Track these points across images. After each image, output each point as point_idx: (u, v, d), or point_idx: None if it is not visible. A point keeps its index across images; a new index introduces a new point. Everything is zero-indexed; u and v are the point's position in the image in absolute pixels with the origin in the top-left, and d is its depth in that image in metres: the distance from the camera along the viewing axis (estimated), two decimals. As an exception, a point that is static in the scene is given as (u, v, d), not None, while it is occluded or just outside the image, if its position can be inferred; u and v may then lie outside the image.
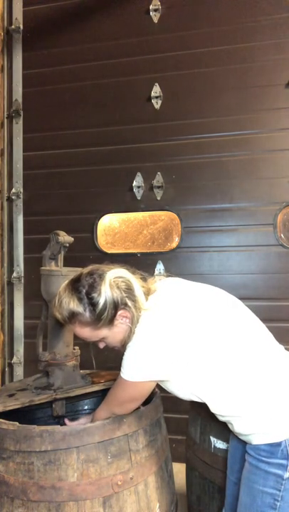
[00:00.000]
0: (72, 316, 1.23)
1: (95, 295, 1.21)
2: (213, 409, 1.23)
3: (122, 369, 1.24)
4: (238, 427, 1.20)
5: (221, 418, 1.25)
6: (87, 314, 1.21)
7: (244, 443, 1.24)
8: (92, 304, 1.21)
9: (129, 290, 1.25)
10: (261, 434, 1.15)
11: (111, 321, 1.23)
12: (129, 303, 1.23)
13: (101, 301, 1.20)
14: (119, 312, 1.23)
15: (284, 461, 1.12)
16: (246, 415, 1.17)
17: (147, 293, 1.30)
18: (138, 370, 1.21)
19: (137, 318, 1.23)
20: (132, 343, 1.22)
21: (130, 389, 1.26)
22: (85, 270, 1.27)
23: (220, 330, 1.22)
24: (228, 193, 2.80)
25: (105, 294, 1.21)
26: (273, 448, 1.13)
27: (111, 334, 1.27)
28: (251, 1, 2.77)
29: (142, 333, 1.21)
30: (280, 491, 1.13)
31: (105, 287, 1.21)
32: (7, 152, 3.11)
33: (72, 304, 1.22)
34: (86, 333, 1.26)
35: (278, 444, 1.13)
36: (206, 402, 1.23)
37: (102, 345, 1.33)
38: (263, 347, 1.23)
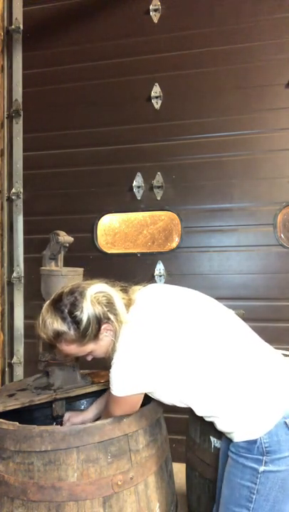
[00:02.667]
0: (58, 335, 1.25)
1: (77, 313, 1.23)
2: (197, 411, 1.26)
3: (110, 386, 1.27)
4: (220, 425, 1.24)
5: (206, 419, 1.28)
6: (72, 332, 1.24)
7: (229, 441, 1.27)
8: (76, 322, 1.23)
9: (110, 304, 1.27)
10: (240, 432, 1.19)
11: (96, 336, 1.26)
12: (111, 317, 1.26)
13: (84, 318, 1.23)
14: (103, 326, 1.26)
15: (260, 457, 1.16)
16: (227, 415, 1.21)
17: (128, 304, 1.32)
18: (123, 385, 1.24)
19: (119, 331, 1.26)
20: (115, 359, 1.24)
21: (120, 403, 1.29)
22: (66, 289, 1.30)
23: (200, 334, 1.25)
24: (228, 193, 2.80)
25: (87, 310, 1.23)
26: (250, 445, 1.17)
27: (98, 347, 1.30)
28: (251, 1, 2.77)
29: (123, 349, 1.23)
30: (256, 484, 1.17)
31: (87, 304, 1.24)
32: (7, 152, 3.11)
33: (56, 324, 1.24)
34: (73, 350, 1.29)
35: (254, 442, 1.17)
36: (191, 406, 1.26)
37: (89, 358, 1.36)
38: (243, 348, 1.26)
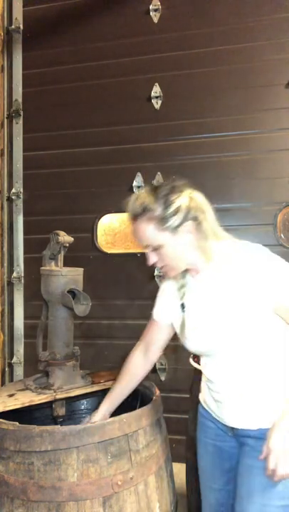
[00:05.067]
0: (144, 210, 1.22)
1: (172, 197, 1.21)
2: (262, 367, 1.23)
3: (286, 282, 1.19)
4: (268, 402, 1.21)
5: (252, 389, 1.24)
6: (158, 210, 1.21)
7: (237, 437, 1.27)
8: (167, 204, 1.21)
9: (203, 211, 1.25)
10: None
11: (176, 228, 1.21)
12: (202, 220, 1.23)
13: (176, 204, 1.20)
14: (187, 222, 1.22)
15: None
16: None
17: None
18: None
19: (204, 238, 1.23)
20: (263, 265, 1.18)
21: None
22: (166, 182, 1.28)
23: None
24: (228, 193, 2.80)
25: (182, 199, 1.22)
26: None
27: (170, 243, 1.23)
28: (251, 1, 2.77)
29: (271, 258, 1.21)
30: None
31: (184, 195, 1.23)
32: (7, 152, 3.11)
33: (148, 199, 1.22)
34: (148, 231, 1.23)
35: None
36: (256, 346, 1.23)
37: (151, 260, 1.27)
38: None
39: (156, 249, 1.24)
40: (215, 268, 1.24)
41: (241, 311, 1.19)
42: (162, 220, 1.20)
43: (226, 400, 1.28)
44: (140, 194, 1.25)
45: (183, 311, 1.32)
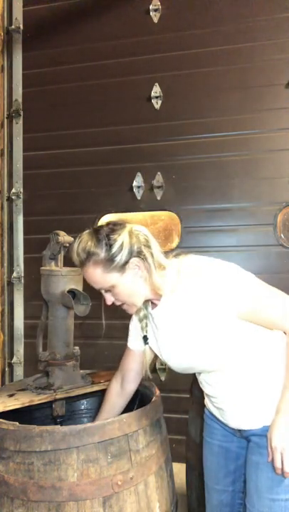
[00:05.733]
0: (88, 254, 1.23)
1: (113, 236, 1.22)
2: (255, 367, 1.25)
3: (240, 289, 1.26)
4: (265, 399, 1.23)
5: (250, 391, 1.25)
6: (103, 254, 1.22)
7: (242, 439, 1.29)
8: (109, 244, 1.22)
9: (147, 244, 1.26)
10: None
11: (123, 267, 1.23)
12: (146, 254, 1.24)
13: (118, 243, 1.21)
14: (132, 259, 1.23)
15: None
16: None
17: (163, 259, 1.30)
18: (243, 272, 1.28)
19: (151, 273, 1.24)
20: (212, 280, 1.21)
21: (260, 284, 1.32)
22: (107, 220, 1.29)
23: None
24: (228, 193, 2.80)
25: (123, 237, 1.23)
26: None
27: (121, 282, 1.24)
28: (251, 1, 2.77)
29: (214, 269, 1.24)
30: None
31: (125, 233, 1.24)
32: (7, 152, 3.11)
33: (90, 243, 1.23)
34: (97, 275, 1.24)
35: None
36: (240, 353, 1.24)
37: (109, 300, 1.30)
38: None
39: (109, 290, 1.26)
40: (170, 296, 1.25)
41: (208, 327, 1.20)
42: (108, 261, 1.22)
43: (225, 407, 1.31)
44: (82, 239, 1.26)
45: (146, 343, 1.38)
